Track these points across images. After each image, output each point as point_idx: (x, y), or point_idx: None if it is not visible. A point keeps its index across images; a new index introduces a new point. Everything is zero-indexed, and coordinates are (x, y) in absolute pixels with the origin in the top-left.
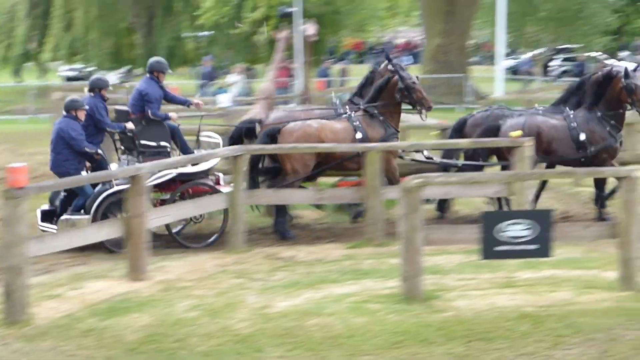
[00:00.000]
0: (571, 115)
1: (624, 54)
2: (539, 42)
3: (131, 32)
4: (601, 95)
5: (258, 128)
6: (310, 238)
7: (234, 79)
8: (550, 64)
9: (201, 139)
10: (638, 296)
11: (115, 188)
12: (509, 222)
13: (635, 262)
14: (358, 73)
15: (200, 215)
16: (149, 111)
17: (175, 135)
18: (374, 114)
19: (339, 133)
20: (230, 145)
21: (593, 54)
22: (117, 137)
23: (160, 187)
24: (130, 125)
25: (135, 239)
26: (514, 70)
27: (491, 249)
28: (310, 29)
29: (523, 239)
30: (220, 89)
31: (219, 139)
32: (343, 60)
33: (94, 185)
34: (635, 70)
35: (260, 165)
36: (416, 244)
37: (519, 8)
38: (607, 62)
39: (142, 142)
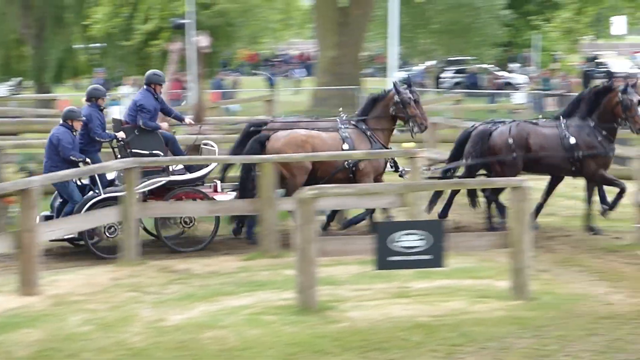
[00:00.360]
0: (563, 124)
1: (514, 65)
2: (431, 53)
3: (21, 43)
4: (596, 106)
5: None
6: (205, 250)
7: (127, 90)
8: (443, 75)
9: (202, 147)
10: (529, 305)
11: (103, 195)
12: (403, 232)
13: (527, 271)
14: (251, 85)
15: (191, 220)
16: (141, 120)
17: (170, 145)
18: (362, 129)
19: (327, 142)
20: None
21: (484, 65)
22: (114, 145)
23: (153, 194)
24: (121, 134)
25: (27, 253)
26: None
27: (385, 259)
28: (204, 40)
29: (417, 249)
30: (113, 101)
31: (215, 148)
32: (236, 72)
33: (83, 193)
34: (633, 86)
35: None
36: (311, 255)
37: (412, 20)
38: (498, 73)
39: (134, 150)
